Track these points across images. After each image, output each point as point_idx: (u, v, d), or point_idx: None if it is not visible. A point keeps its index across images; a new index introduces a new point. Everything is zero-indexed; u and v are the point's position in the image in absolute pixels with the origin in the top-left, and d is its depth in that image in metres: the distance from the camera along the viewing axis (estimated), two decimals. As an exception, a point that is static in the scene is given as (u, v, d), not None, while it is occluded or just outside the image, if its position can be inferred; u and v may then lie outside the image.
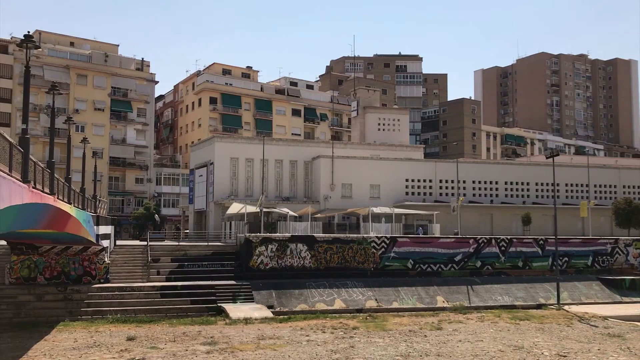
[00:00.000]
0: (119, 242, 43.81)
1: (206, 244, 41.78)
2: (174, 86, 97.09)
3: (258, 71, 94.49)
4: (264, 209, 45.20)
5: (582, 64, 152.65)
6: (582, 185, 62.32)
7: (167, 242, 44.85)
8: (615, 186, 64.15)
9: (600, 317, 30.96)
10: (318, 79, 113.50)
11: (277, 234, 42.51)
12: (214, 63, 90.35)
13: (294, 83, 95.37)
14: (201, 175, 56.90)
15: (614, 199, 60.57)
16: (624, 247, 46.76)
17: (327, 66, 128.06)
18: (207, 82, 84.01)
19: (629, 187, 64.64)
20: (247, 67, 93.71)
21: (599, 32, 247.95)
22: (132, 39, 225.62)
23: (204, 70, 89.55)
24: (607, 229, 58.86)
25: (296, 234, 41.67)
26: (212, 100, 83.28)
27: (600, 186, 63.58)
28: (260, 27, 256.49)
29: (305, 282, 37.08)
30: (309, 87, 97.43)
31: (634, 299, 40.73)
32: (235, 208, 45.71)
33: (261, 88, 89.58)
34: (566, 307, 36.61)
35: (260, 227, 43.34)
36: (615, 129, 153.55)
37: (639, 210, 53.00)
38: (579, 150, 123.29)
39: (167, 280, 35.86)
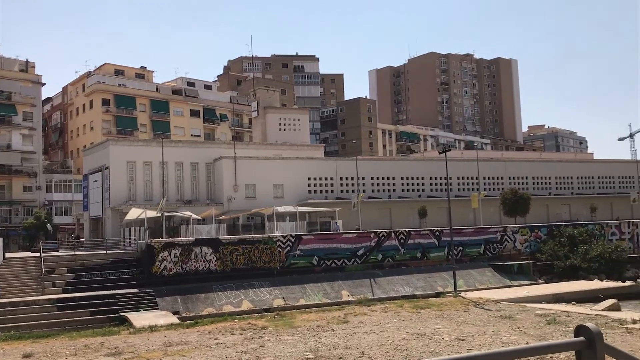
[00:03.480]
0: (8, 255, 41.01)
1: (104, 252, 40.10)
2: (63, 88, 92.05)
3: (153, 71, 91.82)
4: (165, 213, 44.10)
5: (469, 63, 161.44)
6: (472, 178, 66.04)
7: (62, 252, 42.54)
8: (502, 178, 68.57)
9: (493, 301, 32.91)
10: (216, 79, 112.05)
11: (180, 238, 41.64)
12: (105, 63, 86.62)
13: (191, 83, 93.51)
14: (96, 181, 54.46)
15: (501, 190, 64.65)
16: (512, 235, 50.01)
17: (224, 66, 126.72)
18: (98, 83, 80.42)
19: (514, 178, 69.34)
20: (141, 67, 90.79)
21: (483, 33, 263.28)
22: (16, 39, 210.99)
23: (94, 70, 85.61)
24: (496, 218, 62.75)
25: (200, 237, 41.04)
26: (105, 102, 79.85)
27: (488, 178, 67.70)
28: (154, 26, 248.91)
29: (212, 285, 36.63)
30: (207, 87, 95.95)
31: (522, 282, 43.73)
32: (134, 213, 44.23)
33: (157, 89, 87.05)
34: (462, 294, 38.60)
35: (162, 232, 42.23)
36: (500, 124, 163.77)
37: (524, 200, 57.02)
38: (468, 145, 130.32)
39: (64, 292, 34.10)
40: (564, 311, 25.69)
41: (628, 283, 39.69)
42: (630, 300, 33.63)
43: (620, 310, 25.56)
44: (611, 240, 51.17)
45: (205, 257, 38.27)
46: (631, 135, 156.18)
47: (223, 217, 48.63)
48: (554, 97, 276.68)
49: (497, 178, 68.43)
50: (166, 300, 34.23)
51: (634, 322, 20.78)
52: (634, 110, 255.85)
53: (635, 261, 49.81)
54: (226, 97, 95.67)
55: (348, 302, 36.82)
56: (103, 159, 52.94)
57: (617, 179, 77.90)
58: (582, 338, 2.63)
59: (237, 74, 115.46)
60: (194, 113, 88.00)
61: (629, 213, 67.56)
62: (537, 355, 2.79)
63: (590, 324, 2.75)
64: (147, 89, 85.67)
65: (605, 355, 2.75)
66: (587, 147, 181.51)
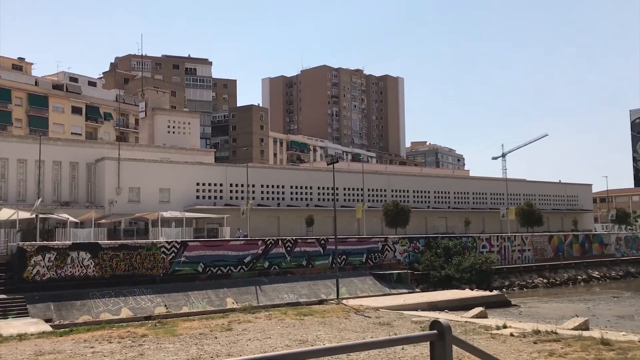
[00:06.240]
0: None
1: (-32, 255, 37.03)
2: None
3: (32, 64, 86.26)
4: (40, 215, 41.53)
5: (359, 79, 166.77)
6: (358, 189, 68.26)
7: None
8: (385, 190, 71.47)
9: (373, 308, 34.16)
10: (102, 76, 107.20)
11: (56, 241, 39.36)
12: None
13: (74, 79, 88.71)
14: (-39, 178, 50.18)
15: (384, 201, 67.36)
16: (392, 245, 52.15)
17: (111, 63, 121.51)
18: (-32, 71, 74.25)
19: (396, 191, 72.53)
20: (19, 58, 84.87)
21: (373, 50, 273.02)
22: None
23: (-36, 58, 78.96)
24: (379, 228, 65.24)
25: (78, 242, 39.03)
26: (-25, 93, 73.85)
27: (373, 190, 70.31)
28: (34, 16, 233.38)
29: (89, 292, 34.94)
30: (92, 84, 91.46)
31: (400, 291, 45.72)
32: (5, 214, 41.23)
33: (35, 82, 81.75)
34: (344, 301, 39.68)
35: (35, 235, 39.70)
36: (385, 139, 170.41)
37: (405, 212, 59.80)
38: (355, 158, 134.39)
39: None
40: (437, 318, 27.36)
41: (495, 292, 42.81)
42: (496, 308, 36.40)
43: (487, 317, 27.61)
44: (482, 252, 54.89)
45: (82, 263, 36.43)
46: (503, 155, 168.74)
47: (103, 220, 46.62)
48: (436, 115, 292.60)
49: (381, 190, 71.23)
50: (38, 307, 32.21)
51: (498, 328, 22.59)
52: (507, 131, 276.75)
53: (502, 272, 53.85)
54: (112, 95, 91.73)
55: (232, 310, 36.64)
56: (-30, 154, 48.97)
57: (489, 195, 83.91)
58: (435, 331, 3.10)
59: (124, 72, 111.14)
60: (76, 110, 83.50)
61: (498, 227, 73.00)
62: (397, 345, 3.20)
63: (442, 319, 3.23)
64: (24, 81, 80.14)
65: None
66: (464, 164, 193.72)
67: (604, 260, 63.17)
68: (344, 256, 48.24)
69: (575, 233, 69.70)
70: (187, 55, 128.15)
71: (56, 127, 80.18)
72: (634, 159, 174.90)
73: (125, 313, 34.32)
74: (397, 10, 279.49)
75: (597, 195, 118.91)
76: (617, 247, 67.62)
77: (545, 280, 54.18)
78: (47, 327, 29.46)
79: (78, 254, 36.40)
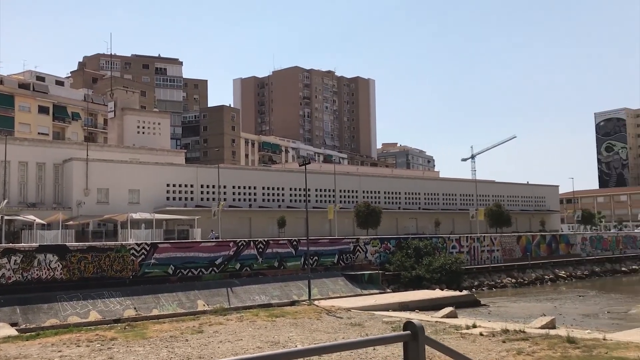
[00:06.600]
0: None
1: None
2: None
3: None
4: (6, 217, 40.64)
5: (330, 80, 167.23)
6: (329, 190, 68.42)
7: None
8: (357, 191, 71.80)
9: (344, 309, 34.26)
10: (69, 75, 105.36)
11: (22, 244, 38.50)
12: (-61, 48, 77.99)
13: (41, 78, 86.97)
14: None
15: (356, 202, 67.64)
16: (364, 245, 52.37)
17: (79, 62, 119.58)
18: None
19: (368, 192, 72.92)
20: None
21: (344, 51, 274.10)
22: None
23: None
24: (350, 229, 65.50)
25: (45, 244, 38.26)
26: (-63, 91, 71.81)
27: (344, 191, 70.57)
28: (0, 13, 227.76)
29: (56, 295, 34.26)
30: (59, 83, 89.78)
31: (372, 291, 45.93)
32: (-32, 216, 40.29)
33: (1, 81, 79.90)
34: (316, 302, 39.70)
35: (0, 237, 38.80)
36: (357, 140, 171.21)
37: (376, 213, 60.15)
38: (327, 159, 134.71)
39: None
40: (408, 318, 27.58)
41: (464, 292, 43.37)
42: (466, 308, 36.88)
43: (457, 317, 27.96)
44: (452, 252, 55.51)
45: (50, 265, 35.73)
46: (472, 157, 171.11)
47: (71, 222, 45.83)
48: (406, 117, 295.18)
49: (352, 191, 71.53)
50: (3, 310, 31.48)
51: (468, 327, 22.91)
52: (476, 133, 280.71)
53: (471, 272, 54.57)
54: (80, 94, 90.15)
55: (204, 312, 36.35)
56: None
57: (459, 197, 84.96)
58: (408, 332, 3.16)
59: (93, 71, 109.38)
60: (43, 110, 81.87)
61: (467, 228, 73.97)
62: (372, 345, 3.26)
63: (415, 320, 3.29)
64: (-12, 80, 78.43)
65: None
66: (434, 165, 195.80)
67: (570, 260, 64.49)
68: (316, 257, 48.24)
69: (542, 233, 71.04)
70: (157, 55, 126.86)
71: (22, 127, 78.51)
72: (599, 161, 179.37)
73: (93, 316, 33.77)
74: (369, 12, 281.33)
75: (564, 196, 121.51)
76: (583, 247, 69.14)
77: (513, 280, 55.10)
78: (12, 332, 28.82)
79: (45, 257, 35.68)
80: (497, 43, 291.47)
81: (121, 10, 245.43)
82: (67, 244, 38.59)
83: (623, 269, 66.51)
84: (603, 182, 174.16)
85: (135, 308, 35.60)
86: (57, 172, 52.05)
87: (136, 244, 40.34)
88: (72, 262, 36.49)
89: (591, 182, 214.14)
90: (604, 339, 18.52)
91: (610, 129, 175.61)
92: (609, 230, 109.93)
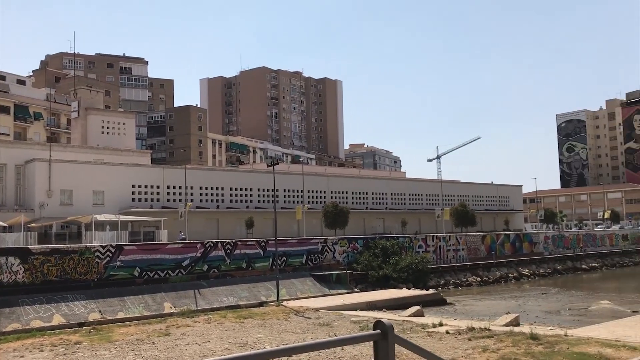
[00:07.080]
0: None
1: None
2: None
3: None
4: (-36, 219, 39.55)
5: (298, 81, 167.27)
6: (298, 191, 68.46)
7: None
8: (325, 192, 72.00)
9: (312, 309, 34.35)
10: (31, 74, 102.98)
11: (-18, 247, 37.55)
12: None
13: (1, 77, 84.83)
14: None
15: (324, 203, 67.86)
16: (332, 246, 52.53)
17: (42, 61, 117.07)
18: None
19: (336, 192, 73.21)
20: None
21: (312, 52, 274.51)
22: None
23: None
24: (318, 229, 65.68)
25: (6, 246, 37.38)
26: None
27: (312, 192, 70.69)
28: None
29: (18, 298, 33.46)
30: (20, 82, 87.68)
31: (340, 291, 46.09)
32: None
33: (-41, 79, 77.77)
34: (285, 303, 39.70)
35: (-41, 240, 37.78)
36: (324, 141, 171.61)
37: (344, 213, 60.42)
38: (295, 159, 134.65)
39: None
40: (376, 318, 27.83)
41: (431, 291, 43.91)
42: (433, 306, 37.36)
43: (424, 316, 28.33)
44: (418, 252, 56.12)
45: (11, 269, 34.86)
46: (438, 157, 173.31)
47: (34, 224, 44.84)
48: (373, 118, 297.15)
49: (320, 192, 71.71)
50: (-38, 316, 30.62)
51: (434, 326, 23.26)
52: (442, 134, 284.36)
53: (437, 271, 55.25)
54: (42, 94, 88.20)
55: (170, 314, 35.97)
56: None
57: (425, 197, 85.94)
58: (378, 331, 3.25)
59: (56, 70, 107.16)
60: (4, 109, 79.82)
61: (433, 228, 74.90)
62: (342, 345, 3.34)
63: (385, 319, 3.39)
64: (-55, 78, 76.14)
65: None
66: (401, 166, 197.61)
67: (533, 258, 65.91)
68: (284, 258, 48.15)
69: (506, 232, 72.39)
70: (122, 54, 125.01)
71: (-19, 127, 76.45)
72: (560, 161, 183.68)
73: (57, 320, 33.10)
74: (336, 12, 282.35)
75: (527, 196, 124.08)
76: (545, 245, 70.72)
77: (478, 279, 56.03)
78: (-28, 337, 28.05)
79: (6, 260, 34.80)
80: (461, 46, 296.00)
81: (85, 7, 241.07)
82: (29, 246, 37.76)
83: (583, 266, 68.33)
84: (564, 182, 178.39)
85: (100, 311, 35.02)
86: (18, 173, 50.87)
87: (101, 246, 39.68)
88: (34, 265, 35.68)
89: (553, 182, 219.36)
90: (566, 335, 19.04)
91: (571, 130, 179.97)
92: (570, 229, 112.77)
